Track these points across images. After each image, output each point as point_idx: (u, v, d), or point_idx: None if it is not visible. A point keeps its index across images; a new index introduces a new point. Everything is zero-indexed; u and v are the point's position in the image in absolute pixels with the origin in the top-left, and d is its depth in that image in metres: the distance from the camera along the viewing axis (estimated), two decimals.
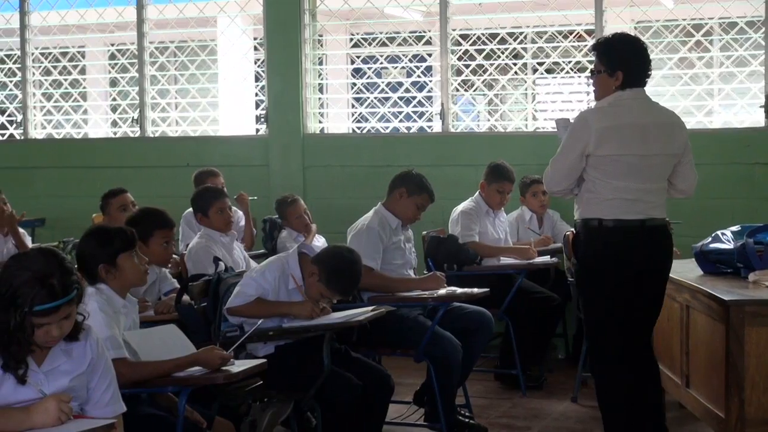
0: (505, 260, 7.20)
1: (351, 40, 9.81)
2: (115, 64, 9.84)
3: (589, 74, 5.20)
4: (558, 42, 8.36)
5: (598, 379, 5.14)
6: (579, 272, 5.18)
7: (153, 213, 5.49)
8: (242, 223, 7.62)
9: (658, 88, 8.14)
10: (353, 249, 5.41)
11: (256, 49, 9.52)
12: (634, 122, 4.98)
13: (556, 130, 5.25)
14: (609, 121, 4.96)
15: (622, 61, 5.03)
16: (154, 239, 5.36)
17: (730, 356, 4.89)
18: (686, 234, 6.63)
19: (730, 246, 5.68)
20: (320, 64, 9.06)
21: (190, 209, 6.81)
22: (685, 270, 5.66)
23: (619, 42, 5.16)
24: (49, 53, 9.87)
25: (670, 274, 5.33)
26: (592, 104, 7.87)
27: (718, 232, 5.87)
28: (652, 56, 7.48)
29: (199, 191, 6.62)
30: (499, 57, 8.55)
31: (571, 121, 5.14)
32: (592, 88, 5.24)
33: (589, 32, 8.12)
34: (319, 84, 8.98)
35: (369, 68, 8.95)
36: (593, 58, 5.17)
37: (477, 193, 7.34)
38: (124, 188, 7.03)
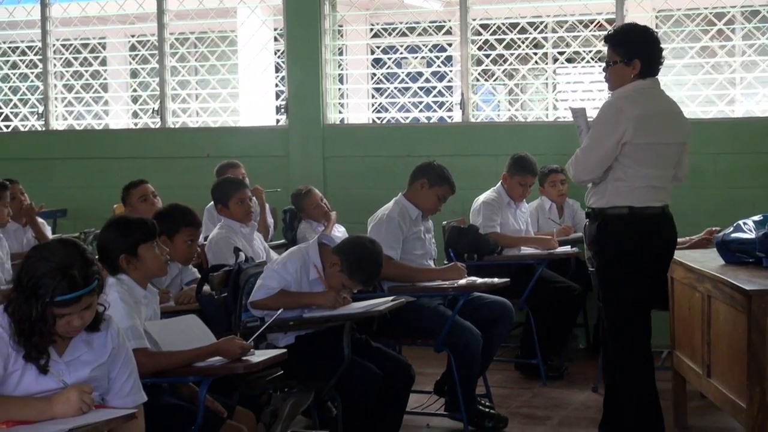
0: (526, 250, 7.19)
1: (371, 30, 9.80)
2: (136, 55, 9.86)
3: (604, 66, 5.18)
4: (579, 31, 8.33)
5: (625, 372, 5.13)
6: (604, 261, 5.17)
7: (182, 210, 5.46)
8: (269, 216, 7.61)
9: (680, 77, 8.10)
10: (374, 240, 5.41)
11: (276, 39, 9.52)
12: (659, 110, 5.07)
13: (573, 119, 5.26)
14: (641, 109, 5.01)
15: (638, 49, 5.06)
16: (180, 236, 5.34)
17: (752, 346, 4.86)
18: (708, 224, 6.60)
19: (752, 236, 5.63)
20: (340, 54, 9.05)
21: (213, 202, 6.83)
22: (706, 260, 5.63)
23: (633, 31, 5.21)
24: (70, 45, 9.89)
25: (692, 264, 5.43)
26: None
27: (740, 222, 5.83)
28: (673, 45, 7.49)
29: (219, 182, 6.64)
30: (519, 46, 8.52)
31: (587, 110, 5.16)
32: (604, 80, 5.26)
33: (610, 21, 8.07)
34: (339, 74, 8.97)
35: (389, 58, 8.93)
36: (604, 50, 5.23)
37: (499, 183, 7.32)
38: (144, 179, 7.05)
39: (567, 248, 7.23)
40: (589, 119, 5.16)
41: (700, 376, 5.57)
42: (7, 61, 10.21)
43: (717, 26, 7.98)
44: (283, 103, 8.95)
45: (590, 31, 8.28)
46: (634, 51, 5.05)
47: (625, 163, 5.02)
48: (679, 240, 6.13)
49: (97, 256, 4.45)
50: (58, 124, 9.85)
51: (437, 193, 6.14)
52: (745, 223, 5.78)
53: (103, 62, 10.12)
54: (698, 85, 8.02)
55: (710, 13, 7.95)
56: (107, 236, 4.34)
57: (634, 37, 5.13)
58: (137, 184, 6.95)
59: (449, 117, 8.76)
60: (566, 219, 7.77)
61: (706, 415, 5.96)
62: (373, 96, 9.04)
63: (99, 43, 10.14)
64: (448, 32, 8.83)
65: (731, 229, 5.81)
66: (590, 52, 8.36)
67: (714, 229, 6.62)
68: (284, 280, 5.10)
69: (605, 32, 7.99)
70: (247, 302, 5.08)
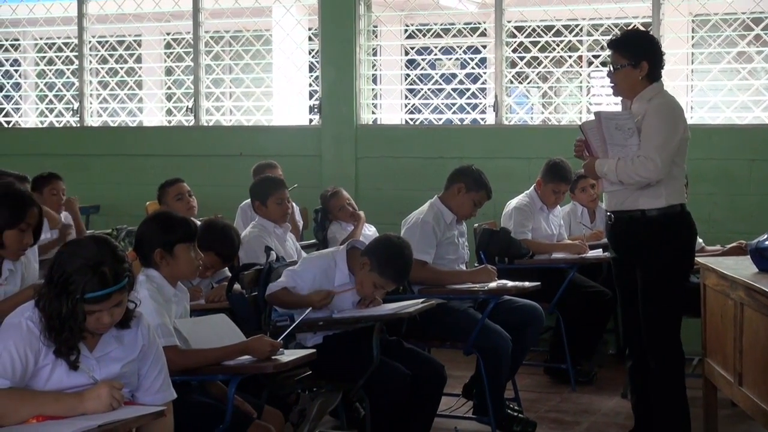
0: (557, 254, 7.16)
1: (405, 31, 9.78)
2: (171, 53, 9.90)
3: (608, 71, 5.22)
4: (614, 35, 8.26)
5: (672, 377, 5.18)
6: (661, 263, 5.14)
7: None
8: (297, 216, 7.61)
9: (716, 82, 8.05)
10: (401, 237, 5.41)
11: (310, 39, 9.53)
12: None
13: (587, 134, 5.24)
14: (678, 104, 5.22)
15: (645, 52, 5.16)
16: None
17: None
18: (742, 231, 6.55)
19: None
20: (374, 54, 9.05)
21: (247, 200, 6.84)
22: (739, 267, 5.58)
23: (637, 35, 5.50)
24: (106, 42, 9.95)
25: (725, 271, 5.44)
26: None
27: None
28: (710, 50, 7.45)
29: (260, 180, 6.66)
30: (554, 49, 8.49)
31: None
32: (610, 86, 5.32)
33: (646, 25, 8.02)
34: (373, 75, 8.97)
35: (423, 59, 8.92)
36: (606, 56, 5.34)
37: (532, 188, 7.29)
38: (180, 178, 7.07)
39: (598, 253, 7.19)
40: (616, 120, 5.12)
41: (732, 384, 5.52)
42: (44, 57, 10.29)
43: (754, 31, 7.92)
44: (317, 102, 8.96)
45: None
46: (640, 53, 5.14)
47: (676, 161, 5.12)
48: (709, 248, 6.12)
49: (131, 249, 4.49)
50: (92, 121, 9.91)
51: (473, 198, 6.12)
52: None
53: (138, 59, 10.18)
54: (734, 91, 7.96)
55: (748, 18, 7.89)
56: (148, 228, 4.37)
57: (638, 41, 5.27)
58: (173, 182, 6.97)
59: (482, 119, 8.74)
60: (597, 223, 7.72)
61: (736, 423, 5.92)
62: (406, 97, 9.03)
63: (134, 41, 10.19)
64: (483, 34, 8.81)
65: (765, 236, 5.75)
66: None
67: (742, 242, 6.63)
68: (295, 283, 5.09)
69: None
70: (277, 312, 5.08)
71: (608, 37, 8.17)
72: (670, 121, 5.10)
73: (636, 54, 5.13)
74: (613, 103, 9.09)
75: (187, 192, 6.95)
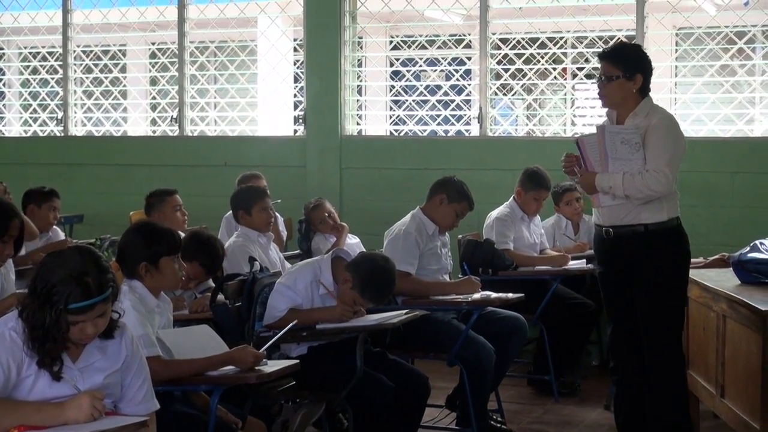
0: (540, 266, 7.17)
1: (390, 42, 9.81)
2: (156, 62, 9.90)
3: (602, 81, 5.18)
4: (598, 47, 8.31)
5: (678, 388, 5.20)
6: (664, 278, 5.15)
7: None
8: (281, 226, 7.61)
9: (699, 95, 8.09)
10: (388, 257, 5.40)
11: (295, 50, 9.54)
12: None
13: (583, 149, 5.24)
14: None
15: (639, 64, 5.18)
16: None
17: (767, 367, 4.84)
18: (725, 243, 6.58)
19: None
20: (359, 66, 9.07)
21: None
22: (722, 279, 5.61)
23: (631, 48, 5.49)
24: (91, 51, 9.94)
25: (707, 283, 5.48)
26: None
27: (757, 242, 5.81)
28: (693, 63, 7.48)
29: (243, 189, 6.66)
30: (538, 61, 8.52)
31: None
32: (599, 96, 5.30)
33: (630, 38, 8.05)
34: (358, 86, 8.98)
35: (408, 71, 8.94)
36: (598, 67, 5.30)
37: (511, 198, 7.31)
38: (173, 189, 7.02)
39: (582, 265, 7.21)
40: (624, 135, 5.09)
41: (714, 396, 5.54)
42: (28, 67, 10.27)
43: (737, 45, 7.96)
44: (302, 113, 8.96)
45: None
46: (635, 66, 5.15)
47: (676, 175, 5.16)
48: (693, 260, 6.13)
49: (114, 259, 4.47)
50: (76, 130, 9.89)
51: (456, 210, 6.13)
52: (762, 243, 5.76)
53: (123, 69, 10.16)
54: (717, 104, 8.00)
55: (731, 31, 7.93)
56: (132, 240, 4.34)
57: (634, 53, 5.28)
58: (171, 192, 6.92)
59: (467, 131, 8.76)
60: (582, 235, 7.75)
61: None
62: (391, 108, 9.05)
63: (119, 50, 10.19)
64: (468, 46, 8.84)
65: (748, 248, 5.79)
66: None
67: (725, 255, 6.64)
68: (293, 300, 5.09)
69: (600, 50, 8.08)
70: (264, 325, 5.07)
71: (593, 50, 8.29)
72: (674, 136, 5.15)
73: (631, 66, 5.13)
74: (597, 116, 9.14)
75: (181, 203, 6.95)
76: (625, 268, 5.20)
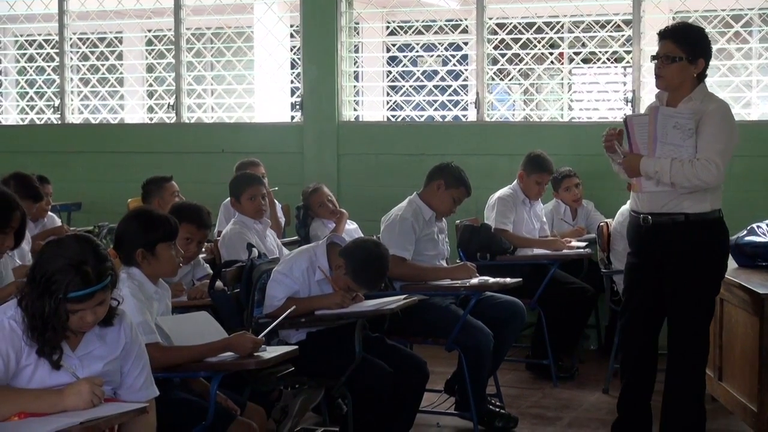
0: (539, 250, 7.18)
1: (387, 27, 9.80)
2: (152, 50, 9.89)
3: (661, 61, 4.93)
4: (595, 32, 8.31)
5: (700, 378, 5.03)
6: (708, 267, 4.97)
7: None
8: (279, 213, 7.60)
9: None
10: (380, 242, 5.41)
11: (292, 36, 9.53)
12: None
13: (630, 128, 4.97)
14: None
15: (704, 49, 4.94)
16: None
17: (764, 350, 4.87)
18: None
19: (765, 239, 5.64)
20: (356, 51, 9.06)
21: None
22: None
23: (696, 30, 5.06)
24: (87, 38, 9.93)
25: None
26: (629, 95, 7.87)
27: (754, 225, 5.84)
28: None
29: (236, 176, 6.69)
30: (535, 46, 8.51)
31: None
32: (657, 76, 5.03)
33: (627, 22, 8.06)
34: (355, 72, 8.98)
35: (404, 56, 8.93)
36: (654, 46, 5.05)
37: (515, 181, 7.32)
38: (169, 175, 7.05)
39: (580, 249, 7.22)
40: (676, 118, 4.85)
41: (712, 380, 5.56)
42: (24, 54, 10.25)
43: (734, 28, 7.96)
44: (299, 99, 8.96)
45: (606, 31, 8.27)
46: (700, 50, 4.91)
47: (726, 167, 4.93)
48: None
49: (112, 246, 4.47)
50: (73, 118, 9.88)
51: (453, 195, 6.13)
52: (759, 227, 5.79)
53: (120, 56, 10.15)
54: (714, 88, 7.96)
55: (727, 15, 7.93)
56: (128, 227, 4.33)
57: (699, 36, 4.99)
58: (169, 179, 6.95)
59: (464, 116, 8.76)
60: (579, 220, 7.77)
61: (716, 418, 5.94)
62: (388, 94, 9.04)
63: (115, 38, 10.17)
64: (464, 31, 8.83)
65: (745, 232, 5.81)
66: (606, 52, 8.34)
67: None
68: (290, 288, 5.10)
69: (622, 33, 8.07)
70: (264, 313, 5.08)
71: (589, 34, 8.29)
72: (729, 126, 4.93)
73: (693, 49, 4.90)
74: (594, 100, 9.15)
75: (178, 189, 6.97)
76: (660, 258, 4.98)
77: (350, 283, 5.11)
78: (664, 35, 4.96)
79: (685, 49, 4.88)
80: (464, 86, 8.77)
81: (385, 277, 5.32)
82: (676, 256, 4.93)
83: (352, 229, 7.23)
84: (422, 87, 8.80)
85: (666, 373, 5.05)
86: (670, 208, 4.91)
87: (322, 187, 7.45)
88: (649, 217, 4.96)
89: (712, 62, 7.88)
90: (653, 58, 4.98)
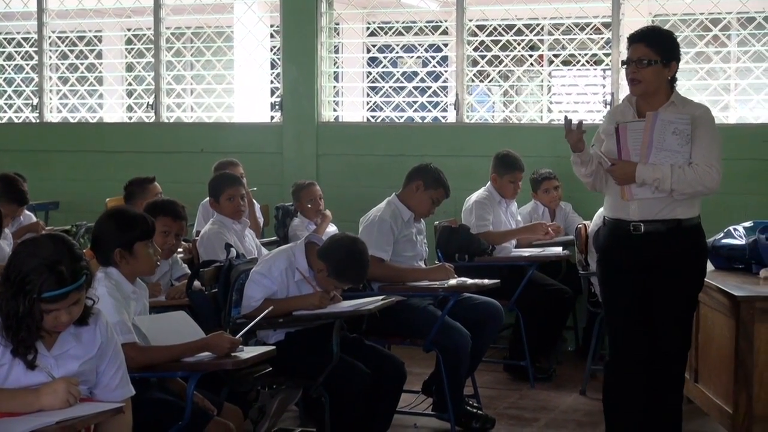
0: (517, 252, 7.20)
1: (367, 28, 9.80)
2: (132, 49, 9.86)
3: (635, 64, 4.80)
4: (574, 34, 8.34)
5: (683, 368, 4.97)
6: (697, 270, 4.92)
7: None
8: (258, 213, 7.58)
9: None
10: (356, 237, 5.40)
11: (272, 36, 9.51)
12: None
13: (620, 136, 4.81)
14: None
15: (675, 52, 4.86)
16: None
17: (740, 352, 4.89)
18: None
19: (742, 242, 5.67)
20: (336, 52, 9.06)
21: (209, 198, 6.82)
22: None
23: (666, 34, 4.98)
24: (66, 37, 9.89)
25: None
26: (608, 97, 7.90)
27: (731, 228, 5.86)
28: None
29: (215, 176, 6.68)
30: (515, 48, 8.53)
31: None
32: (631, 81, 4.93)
33: (606, 25, 8.09)
34: (335, 72, 8.98)
35: (385, 57, 8.94)
36: (622, 49, 5.07)
37: (489, 183, 7.33)
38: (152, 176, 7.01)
39: (558, 250, 7.23)
40: (678, 123, 4.74)
41: (688, 381, 5.58)
42: (2, 52, 10.19)
43: (712, 32, 8.00)
44: (278, 99, 8.95)
45: (586, 34, 8.30)
46: (671, 53, 4.84)
47: None
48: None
49: (89, 246, 4.46)
50: (52, 117, 9.84)
51: (431, 196, 6.14)
52: (735, 229, 5.81)
53: (99, 55, 10.12)
54: (692, 91, 8.02)
55: (706, 18, 7.97)
56: (105, 227, 4.32)
57: (669, 39, 4.90)
58: (151, 180, 6.91)
59: (444, 117, 8.77)
60: (558, 222, 7.78)
61: (692, 420, 5.96)
62: (368, 95, 9.05)
63: (95, 36, 10.13)
64: (444, 32, 8.84)
65: (721, 234, 5.84)
66: (586, 55, 8.37)
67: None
68: (268, 288, 5.10)
69: (601, 35, 8.09)
70: (242, 314, 5.07)
71: (569, 37, 8.31)
72: (716, 130, 4.88)
73: (667, 52, 4.81)
74: (573, 102, 9.17)
75: (161, 190, 6.94)
76: (650, 263, 4.83)
77: (336, 283, 5.12)
78: (636, 39, 4.87)
79: (659, 52, 4.79)
80: (444, 87, 8.78)
81: (367, 269, 5.31)
82: (668, 260, 4.82)
83: (330, 232, 7.23)
84: (402, 88, 8.81)
85: (648, 374, 4.95)
86: (664, 215, 4.80)
87: (316, 185, 7.50)
88: (641, 224, 4.81)
89: (691, 65, 8.00)
90: (624, 63, 4.89)
